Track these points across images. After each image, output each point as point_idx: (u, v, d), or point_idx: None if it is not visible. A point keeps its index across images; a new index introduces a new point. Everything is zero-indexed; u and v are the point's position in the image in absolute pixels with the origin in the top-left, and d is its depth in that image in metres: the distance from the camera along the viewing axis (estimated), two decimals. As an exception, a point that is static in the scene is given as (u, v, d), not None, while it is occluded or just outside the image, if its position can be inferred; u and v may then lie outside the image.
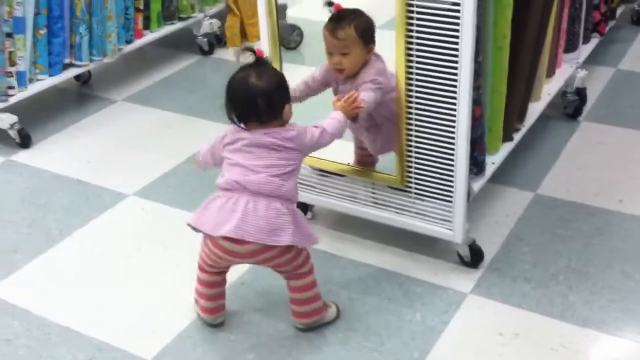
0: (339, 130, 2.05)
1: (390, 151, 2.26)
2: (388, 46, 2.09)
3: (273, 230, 1.90)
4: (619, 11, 3.66)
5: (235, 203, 1.91)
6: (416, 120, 2.13)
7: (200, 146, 2.11)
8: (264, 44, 2.28)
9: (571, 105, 3.09)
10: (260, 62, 1.99)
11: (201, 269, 2.08)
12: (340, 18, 2.12)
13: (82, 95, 3.63)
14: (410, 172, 2.21)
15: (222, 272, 2.09)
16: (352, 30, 2.10)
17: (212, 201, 1.97)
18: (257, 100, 1.92)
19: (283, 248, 1.93)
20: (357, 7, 2.14)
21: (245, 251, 1.92)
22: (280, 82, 1.98)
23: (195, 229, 1.99)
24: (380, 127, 2.23)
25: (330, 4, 2.15)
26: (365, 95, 2.08)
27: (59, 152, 3.12)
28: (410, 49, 2.04)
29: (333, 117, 2.06)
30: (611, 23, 3.56)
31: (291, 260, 1.98)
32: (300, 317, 2.09)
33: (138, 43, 3.61)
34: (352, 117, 2.09)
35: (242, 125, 1.96)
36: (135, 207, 2.73)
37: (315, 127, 2.01)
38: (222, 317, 2.15)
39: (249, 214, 1.90)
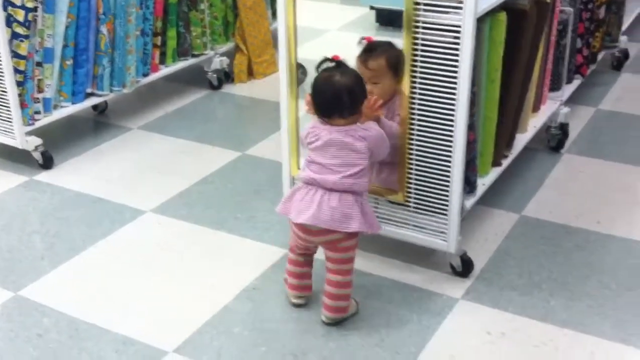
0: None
1: (392, 185, 2.46)
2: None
3: (343, 218, 2.18)
4: (599, 56, 3.93)
5: (314, 195, 2.19)
6: (417, 140, 2.37)
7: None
8: (283, 78, 2.52)
9: (554, 138, 3.35)
10: (340, 64, 2.21)
11: (291, 249, 2.36)
12: (372, 49, 2.33)
13: (99, 123, 3.86)
14: (410, 188, 2.45)
15: (308, 254, 2.35)
16: (383, 60, 2.30)
17: (296, 192, 2.24)
18: (342, 96, 2.16)
19: (348, 233, 2.20)
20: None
21: (317, 229, 2.20)
22: (360, 80, 2.21)
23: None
24: (392, 163, 2.42)
25: (362, 39, 2.37)
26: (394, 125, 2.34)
27: (80, 173, 3.33)
28: (414, 76, 2.29)
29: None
30: (592, 67, 3.83)
31: (348, 249, 2.25)
32: (329, 310, 2.31)
33: (154, 76, 3.87)
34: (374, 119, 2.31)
35: (326, 119, 2.19)
36: (152, 221, 2.95)
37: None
38: (305, 299, 2.39)
39: (324, 204, 2.17)
